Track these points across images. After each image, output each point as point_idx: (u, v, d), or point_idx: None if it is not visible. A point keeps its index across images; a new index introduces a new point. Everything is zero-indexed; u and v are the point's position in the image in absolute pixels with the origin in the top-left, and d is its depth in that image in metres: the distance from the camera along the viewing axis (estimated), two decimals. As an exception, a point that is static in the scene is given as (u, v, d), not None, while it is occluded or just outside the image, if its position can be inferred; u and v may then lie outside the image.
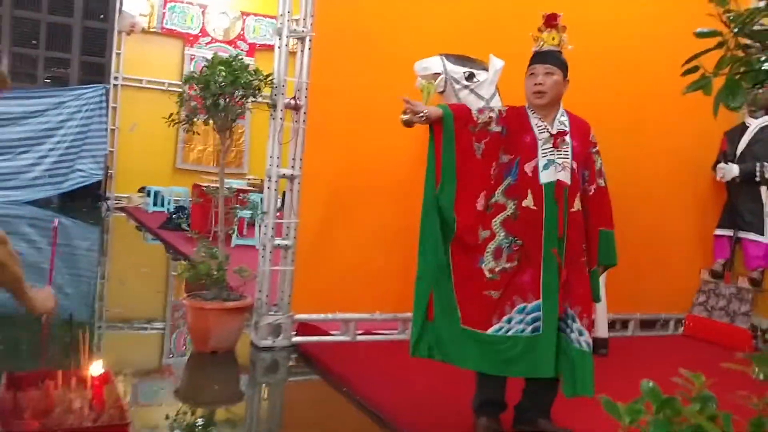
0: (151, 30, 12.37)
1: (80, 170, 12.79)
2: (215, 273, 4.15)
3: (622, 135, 4.80)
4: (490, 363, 2.93)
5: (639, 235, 4.97)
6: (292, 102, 4.26)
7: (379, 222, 4.55)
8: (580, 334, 2.93)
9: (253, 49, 12.59)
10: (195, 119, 4.21)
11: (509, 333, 2.90)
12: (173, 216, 9.41)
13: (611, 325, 5.12)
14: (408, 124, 3.00)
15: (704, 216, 5.57)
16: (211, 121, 4.25)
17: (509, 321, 2.91)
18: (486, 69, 4.19)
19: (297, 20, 4.27)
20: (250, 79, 4.04)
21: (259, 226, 5.89)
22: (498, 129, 2.98)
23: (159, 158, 12.50)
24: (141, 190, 12.48)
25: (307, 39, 4.24)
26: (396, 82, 4.34)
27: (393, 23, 4.46)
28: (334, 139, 4.40)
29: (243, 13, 12.73)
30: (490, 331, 2.90)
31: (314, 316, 4.48)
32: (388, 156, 4.50)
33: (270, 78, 4.18)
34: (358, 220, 4.50)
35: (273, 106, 4.25)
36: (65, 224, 11.56)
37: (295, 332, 4.44)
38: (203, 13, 12.63)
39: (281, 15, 4.25)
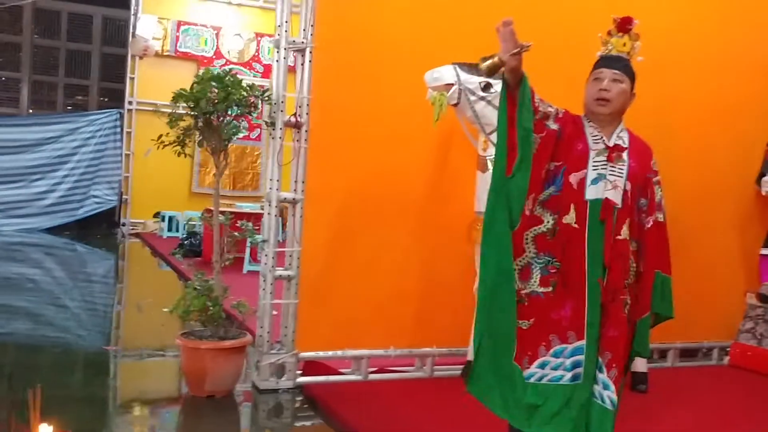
0: (165, 53, 12.17)
1: (95, 196, 12.62)
2: (211, 308, 3.78)
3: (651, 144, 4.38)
4: (517, 413, 2.48)
5: (676, 256, 4.48)
6: (293, 119, 3.90)
7: (391, 247, 4.16)
8: (605, 387, 2.46)
9: (268, 71, 12.33)
10: (187, 140, 3.85)
11: (542, 381, 2.46)
12: (185, 242, 9.11)
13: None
14: (492, 69, 2.48)
15: (748, 234, 5.11)
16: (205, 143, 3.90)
17: (543, 366, 2.46)
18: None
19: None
20: (245, 95, 3.68)
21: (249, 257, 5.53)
22: (555, 127, 2.53)
23: (175, 182, 12.24)
24: (156, 215, 12.23)
25: (307, 51, 3.89)
26: (405, 95, 4.00)
27: (401, 31, 4.09)
28: (339, 158, 4.03)
29: (257, 35, 12.50)
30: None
31: (321, 353, 4.08)
32: (399, 174, 4.12)
33: (267, 94, 3.83)
34: (367, 245, 4.11)
35: (272, 124, 3.89)
36: (80, 251, 11.40)
37: (300, 372, 4.05)
38: (217, 35, 12.43)
39: (279, 26, 3.90)
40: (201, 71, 3.84)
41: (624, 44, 2.67)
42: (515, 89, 2.47)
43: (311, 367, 4.11)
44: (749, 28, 5.02)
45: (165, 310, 3.93)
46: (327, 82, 3.95)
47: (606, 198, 2.49)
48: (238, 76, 3.88)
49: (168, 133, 3.84)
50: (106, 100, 16.60)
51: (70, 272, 9.68)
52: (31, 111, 17.20)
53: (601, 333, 2.47)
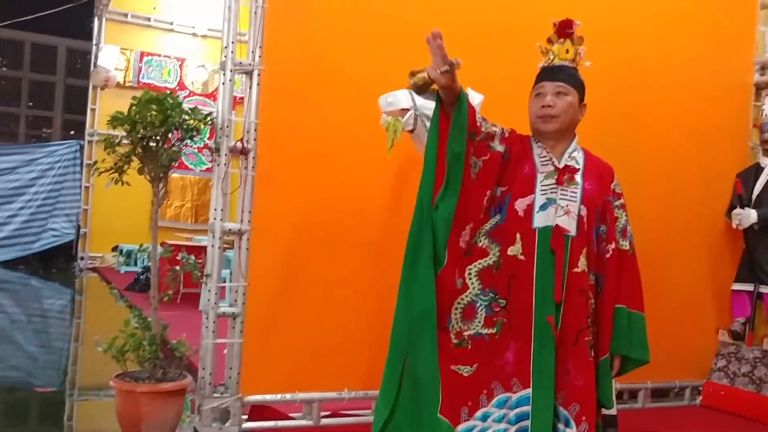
0: (128, 84, 11.90)
1: (53, 229, 12.24)
2: (147, 348, 3.48)
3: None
4: None
5: (644, 292, 4.33)
6: (239, 145, 3.66)
7: (345, 282, 3.90)
8: None
9: (234, 102, 12.11)
10: (125, 168, 3.59)
11: None
12: (140, 276, 8.77)
13: (618, 395, 4.44)
14: (421, 87, 2.26)
15: (719, 269, 4.93)
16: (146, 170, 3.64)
17: (484, 418, 2.18)
18: (463, 104, 3.62)
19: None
20: (186, 118, 3.44)
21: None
22: (501, 149, 2.30)
23: (135, 215, 11.85)
24: (115, 249, 11.84)
25: (255, 74, 3.67)
26: (358, 121, 3.80)
27: (353, 54, 3.89)
28: (288, 187, 3.78)
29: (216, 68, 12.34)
30: (459, 429, 2.19)
31: (269, 396, 3.79)
32: (353, 204, 3.88)
33: (210, 118, 3.60)
34: (319, 280, 3.85)
35: (216, 150, 3.65)
36: (35, 286, 10.99)
37: (246, 417, 3.75)
38: (181, 66, 12.22)
39: (225, 47, 3.69)
40: (142, 95, 3.58)
41: (567, 51, 2.44)
42: (450, 107, 2.25)
43: (258, 411, 3.82)
44: (721, 53, 4.92)
45: (99, 349, 3.62)
46: (276, 107, 3.73)
47: (557, 225, 2.24)
48: (183, 101, 3.66)
49: (104, 160, 3.58)
50: (72, 132, 16.29)
51: (24, 308, 9.28)
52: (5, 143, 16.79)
53: (567, 381, 2.20)
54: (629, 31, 4.51)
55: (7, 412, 4.39)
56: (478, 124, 2.29)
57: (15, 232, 12.01)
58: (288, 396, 3.80)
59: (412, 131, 3.59)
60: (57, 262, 12.00)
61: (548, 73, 2.39)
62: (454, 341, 2.24)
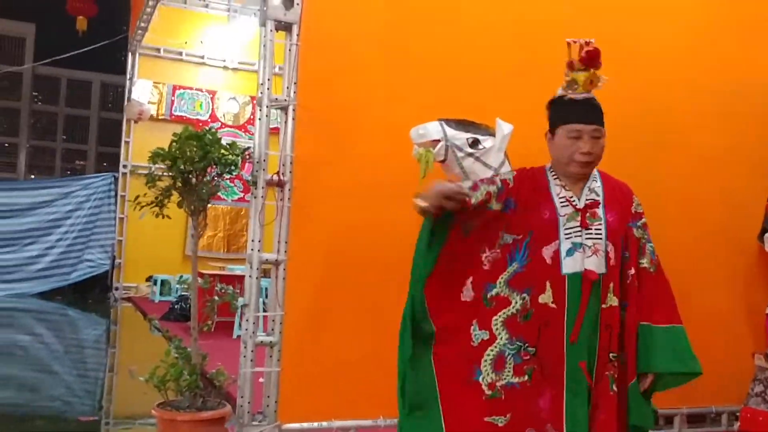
0: (161, 117, 12.18)
1: (88, 260, 12.46)
2: (187, 377, 3.57)
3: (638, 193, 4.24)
4: None
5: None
6: (275, 178, 3.77)
7: (379, 310, 3.94)
8: None
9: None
10: (166, 201, 3.71)
11: None
12: (175, 306, 8.91)
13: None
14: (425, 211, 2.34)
15: (753, 292, 4.90)
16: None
17: None
18: (492, 134, 3.69)
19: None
20: (224, 153, 3.56)
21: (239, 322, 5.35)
22: (498, 207, 2.31)
23: (168, 246, 12.08)
24: (149, 279, 12.03)
25: (290, 108, 3.79)
26: (390, 152, 3.88)
27: (384, 88, 3.99)
28: (323, 217, 3.88)
29: (252, 98, 12.56)
30: None
31: (306, 425, 3.84)
32: (386, 233, 3.95)
33: (247, 152, 3.71)
34: (354, 309, 3.92)
35: (253, 183, 3.76)
36: (72, 316, 11.21)
37: (284, 445, 3.81)
38: (212, 98, 12.48)
39: (261, 84, 3.81)
40: (181, 130, 3.72)
41: (591, 81, 2.39)
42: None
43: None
44: (744, 73, 4.92)
45: (141, 378, 3.72)
46: (310, 140, 3.84)
47: (586, 270, 2.24)
48: (220, 135, 3.79)
49: (146, 194, 3.71)
50: (105, 164, 16.61)
51: (61, 338, 9.47)
52: (33, 176, 17.19)
53: (595, 416, 2.22)
54: (650, 51, 4.55)
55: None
56: (468, 200, 2.31)
57: (52, 263, 12.26)
58: (324, 424, 3.85)
59: (443, 161, 3.67)
60: (93, 293, 12.20)
61: (582, 114, 2.34)
62: (487, 393, 2.24)
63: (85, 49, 12.61)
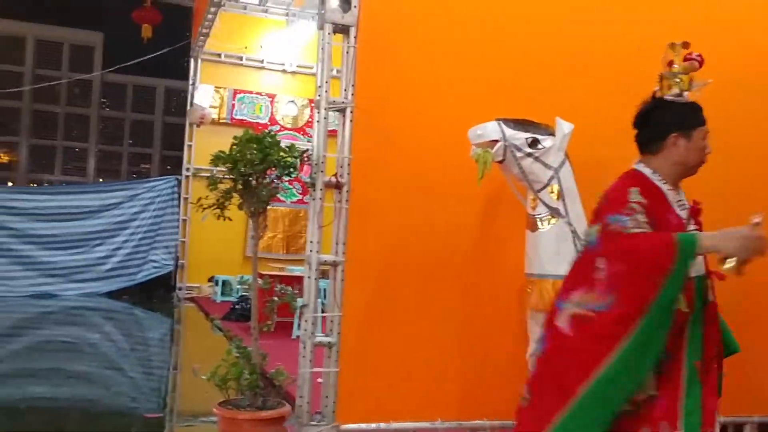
0: (221, 121, 12.41)
1: (153, 261, 12.79)
2: (248, 377, 3.63)
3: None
4: None
5: (747, 325, 4.17)
6: (333, 180, 3.79)
7: (437, 311, 3.96)
8: None
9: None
10: (227, 203, 3.78)
11: None
12: (236, 306, 9.06)
13: (722, 429, 4.27)
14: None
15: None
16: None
17: None
18: (552, 134, 3.64)
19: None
20: (284, 156, 3.60)
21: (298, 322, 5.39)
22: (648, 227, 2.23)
23: (229, 247, 12.30)
24: (211, 279, 12.28)
25: (348, 111, 3.80)
26: (448, 153, 3.87)
27: (442, 88, 3.98)
28: (381, 219, 3.88)
29: (311, 101, 12.69)
30: None
31: (364, 426, 3.85)
32: (444, 235, 3.94)
33: (306, 155, 3.75)
34: (412, 310, 3.92)
35: (312, 185, 3.79)
36: (138, 315, 11.54)
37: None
38: (272, 102, 12.66)
39: (319, 86, 3.84)
40: (242, 134, 3.78)
41: (690, 82, 2.40)
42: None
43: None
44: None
45: (203, 377, 3.79)
46: (368, 142, 3.85)
47: (713, 271, 2.26)
48: (279, 138, 3.84)
49: (207, 196, 3.78)
50: (168, 167, 16.99)
51: (126, 336, 9.75)
52: (101, 180, 17.75)
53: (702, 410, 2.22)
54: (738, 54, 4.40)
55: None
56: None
57: (119, 263, 12.64)
58: (383, 425, 3.85)
59: (501, 162, 3.64)
60: (157, 293, 12.51)
61: (702, 115, 2.39)
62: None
63: (150, 56, 12.95)
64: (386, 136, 3.89)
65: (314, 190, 3.79)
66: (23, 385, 6.28)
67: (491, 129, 3.58)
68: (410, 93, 3.95)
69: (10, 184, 20.27)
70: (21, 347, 8.49)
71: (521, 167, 3.61)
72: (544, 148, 3.62)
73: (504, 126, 3.59)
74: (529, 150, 3.60)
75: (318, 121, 3.85)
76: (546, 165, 3.61)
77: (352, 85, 3.82)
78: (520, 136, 3.60)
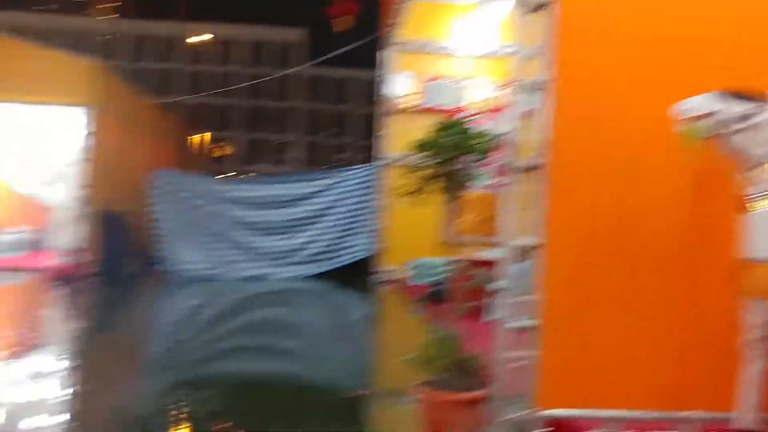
0: (415, 109, 12.62)
1: (353, 246, 13.37)
2: (447, 359, 3.70)
3: None
4: None
5: None
6: (531, 162, 3.74)
7: (642, 295, 3.78)
8: None
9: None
10: (425, 189, 3.87)
11: None
12: (433, 289, 9.24)
13: None
14: None
15: None
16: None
17: None
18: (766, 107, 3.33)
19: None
20: (479, 140, 3.62)
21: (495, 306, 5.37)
22: None
23: (426, 232, 12.51)
24: (408, 263, 12.58)
25: (546, 91, 3.72)
26: (651, 130, 3.67)
27: (644, 64, 3.77)
28: (580, 201, 3.77)
29: (504, 84, 12.53)
30: None
31: (566, 411, 3.78)
32: (649, 216, 3.75)
33: (501, 138, 3.73)
34: (615, 293, 3.78)
35: (508, 168, 3.77)
36: (342, 298, 12.18)
37: (543, 431, 3.79)
38: (465, 87, 12.67)
39: (516, 68, 3.80)
40: (438, 120, 3.84)
41: None
42: None
43: (554, 426, 3.83)
44: None
45: (405, 358, 3.92)
46: (566, 123, 3.74)
47: None
48: (471, 123, 3.86)
49: (405, 183, 3.89)
50: (366, 156, 17.58)
51: (329, 317, 10.34)
52: (303, 169, 18.84)
53: None
54: None
55: (325, 412, 4.91)
56: None
57: (323, 248, 13.39)
58: (587, 411, 3.76)
59: (712, 137, 3.39)
60: (358, 276, 13.06)
61: None
62: None
63: (346, 48, 13.49)
64: (585, 117, 3.77)
65: (511, 173, 3.77)
66: (240, 361, 6.88)
67: (701, 102, 3.35)
68: (610, 71, 3.79)
69: (229, 175, 22.06)
70: (236, 326, 9.29)
71: (734, 142, 3.35)
72: (759, 121, 3.32)
73: (716, 99, 3.34)
74: (743, 124, 3.32)
75: (514, 104, 3.81)
76: (760, 139, 3.31)
77: (550, 65, 3.73)
78: (734, 109, 3.33)
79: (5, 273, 12.15)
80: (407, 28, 12.23)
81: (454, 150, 3.58)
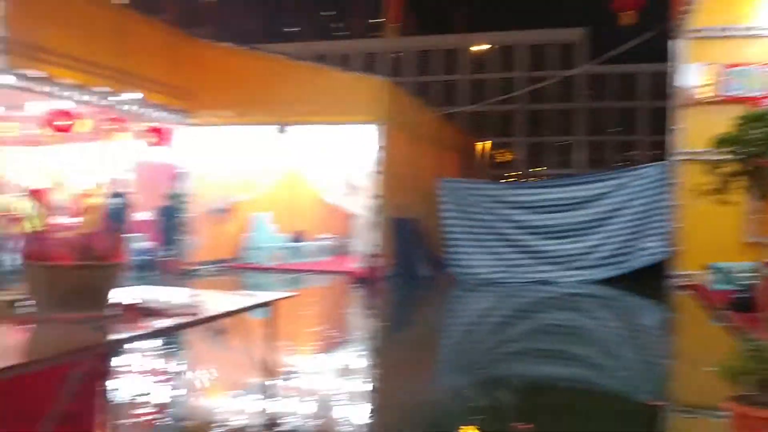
0: (713, 99, 11.64)
1: (646, 248, 12.71)
2: (762, 372, 3.37)
3: None
4: None
5: None
6: None
7: None
8: None
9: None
10: (730, 187, 3.58)
11: None
12: (738, 295, 8.44)
13: None
14: None
15: None
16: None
17: None
18: None
19: None
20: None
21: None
22: None
23: (726, 232, 11.50)
24: (708, 267, 11.62)
25: None
26: None
27: None
28: None
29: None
30: None
31: None
32: None
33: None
34: None
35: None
36: (631, 302, 11.64)
37: None
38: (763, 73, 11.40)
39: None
40: (741, 113, 3.54)
41: None
42: None
43: None
44: None
45: (710, 369, 3.65)
46: None
47: None
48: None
49: (706, 181, 3.64)
50: (657, 153, 16.70)
51: (621, 322, 9.94)
52: (589, 170, 18.40)
53: None
54: None
55: (618, 419, 4.76)
56: None
57: (612, 251, 12.91)
58: None
59: None
60: (651, 280, 12.35)
61: None
62: None
63: (632, 42, 12.89)
64: None
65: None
66: (531, 364, 6.90)
67: None
68: None
69: (512, 180, 22.38)
70: (526, 329, 9.33)
71: None
72: None
73: None
74: None
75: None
76: None
77: None
78: None
79: (315, 275, 13.61)
80: (703, 13, 11.35)
81: (762, 144, 3.26)
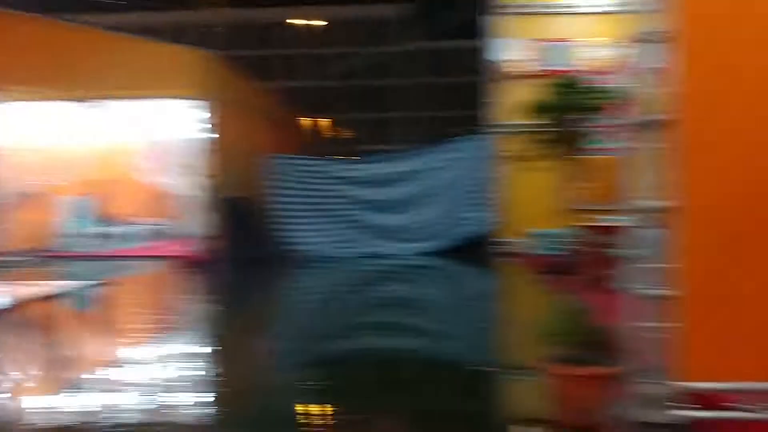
0: (529, 74, 12.19)
1: (468, 219, 13.18)
2: (577, 332, 3.51)
3: None
4: None
5: None
6: (658, 119, 3.45)
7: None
8: None
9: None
10: (545, 153, 3.67)
11: None
12: (555, 259, 8.96)
13: None
14: None
15: None
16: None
17: None
18: None
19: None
20: (599, 97, 3.37)
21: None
22: None
23: (544, 200, 12.14)
24: (527, 234, 12.25)
25: (671, 43, 3.41)
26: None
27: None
28: (723, 160, 3.41)
29: (625, 42, 11.84)
30: None
31: (710, 385, 3.49)
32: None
33: (622, 95, 3.46)
34: (762, 261, 3.44)
35: (637, 126, 3.50)
36: (457, 272, 12.06)
37: (687, 405, 3.52)
38: (577, 48, 12.13)
39: (642, 20, 3.51)
40: (554, 81, 3.62)
41: None
42: None
43: (699, 399, 3.55)
44: None
45: (531, 332, 3.77)
46: (699, 75, 3.42)
47: None
48: (590, 81, 3.61)
49: (522, 149, 3.71)
50: (472, 127, 17.28)
51: (450, 292, 10.25)
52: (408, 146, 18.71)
53: None
54: None
55: (449, 387, 4.85)
56: None
57: (438, 223, 13.35)
58: (736, 384, 3.45)
59: None
60: (476, 249, 12.81)
61: None
62: None
63: (442, 20, 13.21)
64: (717, 67, 3.43)
65: (641, 132, 3.50)
66: (363, 337, 6.91)
67: None
68: (745, 19, 3.43)
69: (341, 156, 22.46)
70: (359, 303, 9.37)
71: None
72: None
73: None
74: None
75: (638, 58, 3.53)
76: None
77: (674, 16, 3.41)
78: None
79: (139, 261, 12.83)
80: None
81: (573, 108, 3.36)
